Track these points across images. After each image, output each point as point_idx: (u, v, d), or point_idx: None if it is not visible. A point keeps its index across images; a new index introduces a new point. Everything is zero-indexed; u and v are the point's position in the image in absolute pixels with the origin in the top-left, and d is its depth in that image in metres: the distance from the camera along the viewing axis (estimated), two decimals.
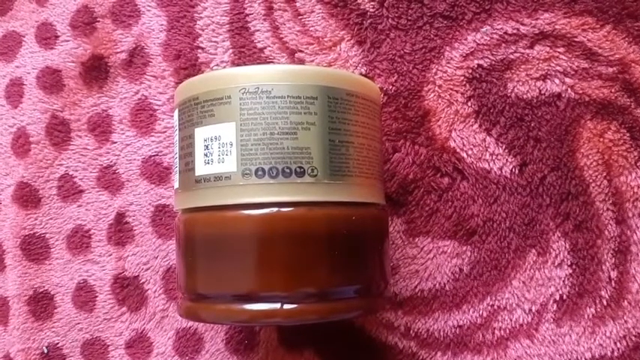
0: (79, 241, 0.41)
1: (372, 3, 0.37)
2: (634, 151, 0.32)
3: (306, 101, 0.27)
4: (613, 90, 0.32)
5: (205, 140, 0.27)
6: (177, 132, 0.29)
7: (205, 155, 0.27)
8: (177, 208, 0.29)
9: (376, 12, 0.36)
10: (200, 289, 0.28)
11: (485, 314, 0.33)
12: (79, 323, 0.40)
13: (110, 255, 0.40)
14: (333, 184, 0.27)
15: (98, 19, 0.42)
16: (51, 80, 0.42)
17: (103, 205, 0.41)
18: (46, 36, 0.43)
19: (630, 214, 0.31)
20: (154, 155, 0.40)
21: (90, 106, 0.42)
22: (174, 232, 0.31)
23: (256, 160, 0.26)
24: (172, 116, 0.40)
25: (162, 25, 0.40)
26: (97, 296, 0.40)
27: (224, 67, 0.39)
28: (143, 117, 0.40)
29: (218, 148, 0.27)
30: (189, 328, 0.38)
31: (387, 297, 0.29)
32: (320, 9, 0.37)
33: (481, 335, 0.33)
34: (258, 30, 0.38)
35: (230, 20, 0.39)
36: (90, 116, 0.41)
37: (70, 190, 0.41)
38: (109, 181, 0.41)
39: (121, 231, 0.40)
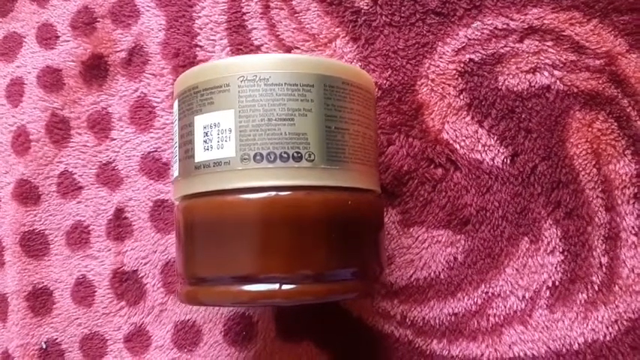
0: (78, 236, 0.41)
1: (366, 1, 0.38)
2: (621, 139, 0.32)
3: (302, 88, 0.27)
4: (600, 81, 0.33)
5: (205, 127, 0.28)
6: (177, 122, 0.30)
7: (205, 142, 0.28)
8: (177, 196, 0.30)
9: (370, 9, 0.38)
10: (200, 273, 0.28)
11: (479, 302, 0.34)
12: (77, 318, 0.40)
13: (109, 250, 0.40)
14: (330, 169, 0.27)
15: (98, 20, 0.43)
16: (51, 79, 0.43)
17: (103, 200, 0.41)
18: (47, 36, 0.44)
19: (619, 201, 0.32)
20: (152, 151, 0.40)
21: (90, 104, 0.42)
22: (174, 220, 0.32)
23: (254, 146, 0.27)
24: (171, 112, 0.40)
25: (161, 24, 0.41)
26: (95, 291, 0.40)
27: None
28: (142, 114, 0.41)
29: (217, 135, 0.27)
30: (188, 320, 0.38)
31: (382, 282, 0.30)
32: (315, 7, 0.38)
33: (476, 322, 0.34)
34: (255, 28, 0.39)
35: (228, 19, 0.40)
36: (90, 114, 0.42)
37: (69, 187, 0.42)
38: (109, 177, 0.41)
39: (120, 226, 0.40)
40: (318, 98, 0.28)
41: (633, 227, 0.32)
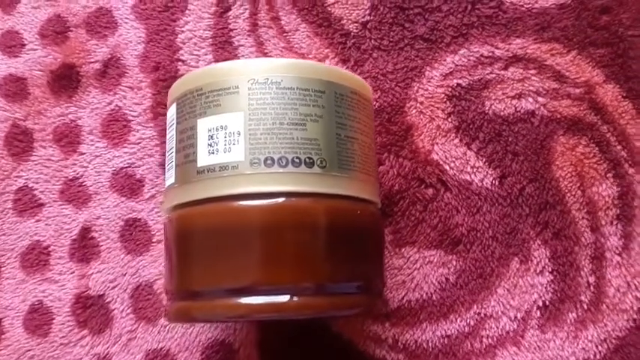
0: (36, 258, 0.37)
1: (355, 24, 0.38)
2: (603, 163, 0.34)
3: (314, 94, 0.27)
4: (581, 108, 0.35)
5: (210, 130, 0.26)
6: (173, 126, 0.28)
7: (210, 145, 0.26)
8: (171, 205, 0.28)
9: (359, 33, 0.38)
10: (194, 286, 0.26)
11: (472, 323, 0.33)
12: (30, 350, 0.36)
13: (72, 273, 0.37)
14: (341, 177, 0.27)
15: (71, 29, 0.41)
16: (14, 88, 0.40)
17: (66, 219, 0.38)
18: (11, 44, 0.41)
19: (603, 222, 0.33)
20: (125, 167, 0.38)
21: (57, 115, 0.39)
22: (163, 232, 0.29)
23: (265, 150, 0.26)
24: (149, 127, 0.38)
25: (140, 37, 0.40)
26: (53, 318, 0.36)
27: None
28: (116, 128, 0.39)
29: (224, 138, 0.26)
30: (161, 349, 0.35)
31: (384, 299, 0.29)
32: (305, 27, 0.38)
33: (469, 344, 0.33)
34: (242, 45, 0.39)
35: (213, 35, 0.39)
36: (56, 126, 0.39)
37: (28, 204, 0.38)
38: (74, 194, 0.38)
39: (85, 247, 0.37)
40: (329, 105, 0.27)
41: (617, 247, 0.33)
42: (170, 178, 0.28)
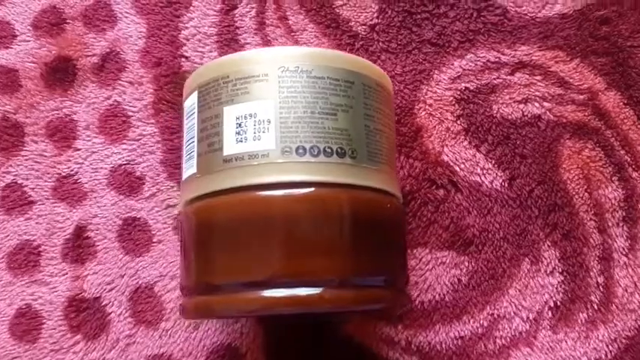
0: (25, 259, 0.35)
1: (364, 27, 0.38)
2: (608, 166, 0.35)
3: (344, 84, 0.26)
4: (586, 114, 0.36)
5: (238, 118, 0.26)
6: (194, 115, 0.27)
7: (238, 133, 0.25)
8: (192, 196, 0.27)
9: (367, 35, 0.38)
10: (217, 280, 0.25)
11: (485, 324, 0.33)
12: (16, 357, 0.34)
13: (65, 274, 0.35)
14: (371, 169, 0.26)
15: (68, 21, 0.39)
16: (4, 79, 0.38)
17: (59, 217, 0.36)
18: (1, 35, 0.39)
19: (610, 224, 0.34)
20: (124, 164, 0.36)
21: (50, 109, 0.38)
22: (178, 226, 0.28)
23: (297, 138, 0.25)
24: (150, 123, 0.37)
25: (141, 32, 0.39)
26: (43, 323, 0.34)
27: None
28: (114, 124, 0.37)
29: (253, 126, 0.25)
30: (162, 354, 0.33)
31: (408, 294, 0.28)
32: (313, 28, 0.38)
33: (483, 345, 0.33)
34: (248, 43, 0.38)
35: (219, 32, 0.38)
36: (49, 120, 0.37)
37: (17, 201, 0.36)
38: (68, 191, 0.36)
39: (80, 247, 0.35)
40: (358, 96, 0.27)
41: (624, 248, 0.34)
42: (190, 168, 0.27)
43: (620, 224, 0.34)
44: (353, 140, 0.26)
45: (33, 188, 0.36)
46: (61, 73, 0.38)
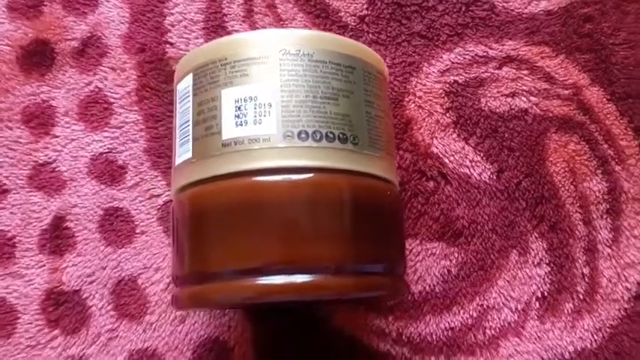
0: None
1: (353, 17, 0.38)
2: (593, 160, 0.35)
3: (345, 70, 0.26)
4: (571, 108, 0.36)
5: (237, 101, 0.25)
6: (189, 98, 0.26)
7: (237, 117, 0.25)
8: (187, 182, 0.26)
9: (357, 26, 0.38)
10: (213, 268, 0.24)
11: (475, 315, 0.33)
12: None
13: (42, 266, 0.33)
14: (372, 156, 0.26)
15: (45, 3, 0.37)
16: None
17: (36, 207, 0.34)
18: None
19: (594, 216, 0.35)
20: (106, 152, 0.35)
21: (26, 94, 0.36)
22: (171, 213, 0.27)
23: (299, 123, 0.24)
24: (134, 110, 0.36)
25: (123, 17, 0.37)
26: (18, 317, 0.32)
27: None
28: (95, 110, 0.36)
29: (254, 109, 0.25)
30: (147, 349, 0.32)
31: (406, 283, 0.28)
32: (302, 17, 0.38)
33: (473, 336, 0.33)
34: (236, 30, 0.37)
35: (205, 18, 0.37)
36: (25, 106, 0.36)
37: None
38: (46, 180, 0.35)
39: (58, 237, 0.34)
40: (359, 82, 0.26)
41: (607, 240, 0.34)
42: (185, 153, 0.26)
43: (604, 216, 0.35)
44: (354, 126, 0.25)
45: (7, 176, 0.34)
46: (38, 57, 0.36)
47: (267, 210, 0.24)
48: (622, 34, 0.38)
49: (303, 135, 0.24)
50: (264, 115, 0.24)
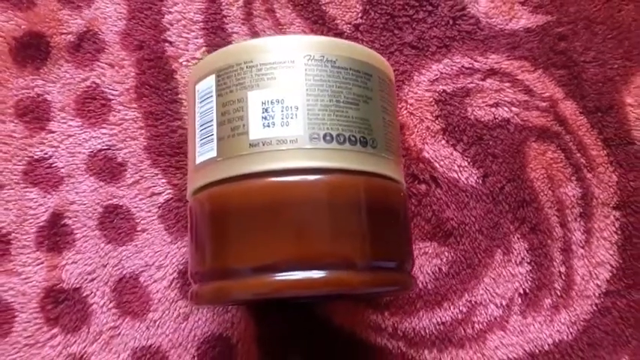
0: None
1: (348, 25, 0.39)
2: (568, 167, 0.39)
3: (364, 76, 0.27)
4: (548, 119, 0.39)
5: (264, 103, 0.26)
6: (212, 99, 0.27)
7: (264, 118, 0.26)
8: (213, 180, 0.26)
9: (352, 34, 0.39)
10: (238, 264, 0.25)
11: (464, 310, 0.35)
12: None
13: (40, 264, 0.32)
14: (388, 159, 0.27)
15: None
16: None
17: (32, 204, 0.33)
18: None
19: (569, 219, 0.38)
20: (105, 149, 0.35)
21: (20, 87, 0.35)
22: (191, 214, 0.27)
23: (324, 125, 0.26)
24: (132, 107, 0.36)
25: (121, 13, 0.37)
26: (15, 316, 0.32)
27: (195, 63, 0.37)
28: (93, 106, 0.35)
29: (281, 112, 0.26)
30: (150, 346, 0.32)
31: (414, 278, 0.30)
32: (300, 23, 0.39)
33: (462, 330, 0.35)
34: (235, 32, 0.38)
35: (205, 19, 0.38)
36: (19, 99, 0.35)
37: None
38: (42, 175, 0.34)
39: (56, 235, 0.33)
40: (375, 88, 0.28)
41: (581, 241, 0.38)
42: (209, 152, 0.27)
43: (578, 219, 0.38)
44: (373, 130, 0.27)
45: (1, 171, 0.34)
46: (32, 50, 0.36)
47: (292, 208, 0.25)
48: (592, 52, 0.41)
49: (328, 137, 0.26)
50: (292, 118, 0.25)
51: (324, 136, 0.26)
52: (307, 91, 0.26)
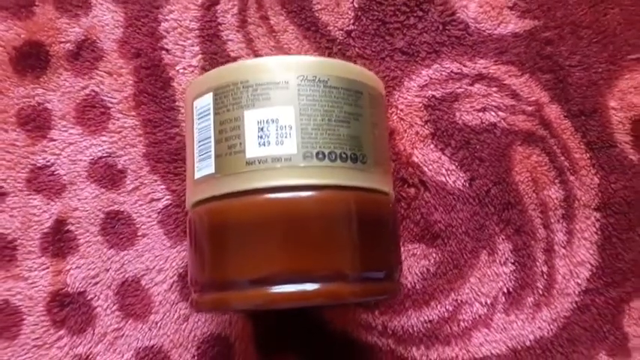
0: None
1: (341, 32, 0.40)
2: (552, 171, 0.40)
3: (355, 95, 0.29)
4: (534, 123, 0.41)
5: (260, 122, 0.27)
6: (209, 117, 0.28)
7: (260, 137, 0.27)
8: (211, 195, 0.28)
9: (344, 40, 0.40)
10: (234, 276, 0.27)
11: (450, 309, 0.37)
12: None
13: (45, 269, 0.34)
14: (377, 173, 0.29)
15: (37, 3, 0.37)
16: None
17: (36, 210, 0.35)
18: None
19: (552, 220, 0.40)
20: (105, 156, 0.36)
21: (21, 96, 0.36)
22: (190, 226, 0.29)
23: (317, 144, 0.27)
24: (131, 115, 0.37)
25: (118, 21, 0.38)
26: (24, 319, 0.33)
27: (192, 70, 0.38)
28: (92, 115, 0.37)
29: (276, 131, 0.27)
30: (153, 347, 0.34)
31: (402, 284, 0.31)
32: (293, 29, 0.40)
33: (449, 328, 0.37)
34: (231, 40, 0.39)
35: (200, 26, 0.39)
36: (20, 108, 0.36)
37: None
38: (45, 183, 0.35)
39: (60, 240, 0.34)
40: (366, 105, 0.29)
41: (562, 241, 0.39)
42: (207, 168, 0.28)
43: (560, 221, 0.40)
44: (363, 146, 0.28)
45: (5, 179, 0.35)
46: (32, 59, 0.36)
47: (287, 223, 0.26)
48: (577, 56, 0.42)
49: (320, 155, 0.27)
50: (286, 137, 0.27)
51: (317, 154, 0.27)
52: (300, 111, 0.27)
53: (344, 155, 0.27)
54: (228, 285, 0.27)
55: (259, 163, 0.27)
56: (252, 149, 0.27)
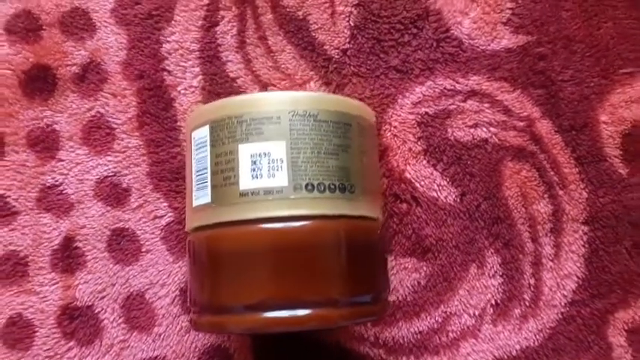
0: (12, 269, 0.36)
1: (337, 50, 0.42)
2: (541, 186, 0.41)
3: (344, 127, 0.30)
4: (524, 139, 0.42)
5: (252, 156, 0.29)
6: (206, 148, 0.30)
7: (253, 170, 0.28)
8: (206, 223, 0.29)
9: (340, 59, 0.42)
10: (231, 301, 0.28)
11: (440, 320, 0.39)
12: None
13: (56, 284, 0.36)
14: (365, 201, 0.30)
15: (44, 28, 0.39)
16: None
17: (46, 228, 0.37)
18: None
19: (540, 234, 0.41)
20: (110, 176, 0.38)
21: (30, 119, 0.38)
22: (190, 248, 0.31)
23: (306, 176, 0.29)
24: (135, 136, 0.38)
25: (121, 43, 0.40)
26: (36, 331, 0.35)
27: (192, 91, 0.40)
28: (98, 135, 0.38)
29: (268, 164, 0.28)
30: (157, 357, 0.36)
31: (390, 304, 0.33)
32: (290, 49, 0.41)
33: (438, 338, 0.39)
34: (230, 61, 0.40)
35: (201, 48, 0.40)
36: (30, 130, 0.38)
37: (0, 212, 0.36)
38: (54, 202, 0.37)
39: (69, 257, 0.36)
40: (354, 136, 0.31)
41: (550, 255, 0.41)
42: (204, 197, 0.30)
43: (548, 234, 0.41)
44: (351, 176, 0.30)
45: (16, 199, 0.37)
46: (40, 82, 0.38)
47: (279, 252, 0.28)
48: (569, 71, 0.43)
49: (309, 187, 0.28)
50: (277, 170, 0.28)
51: (306, 185, 0.28)
52: (291, 145, 0.29)
53: (332, 186, 0.29)
54: (224, 309, 0.29)
55: (252, 194, 0.28)
56: (246, 182, 0.28)
